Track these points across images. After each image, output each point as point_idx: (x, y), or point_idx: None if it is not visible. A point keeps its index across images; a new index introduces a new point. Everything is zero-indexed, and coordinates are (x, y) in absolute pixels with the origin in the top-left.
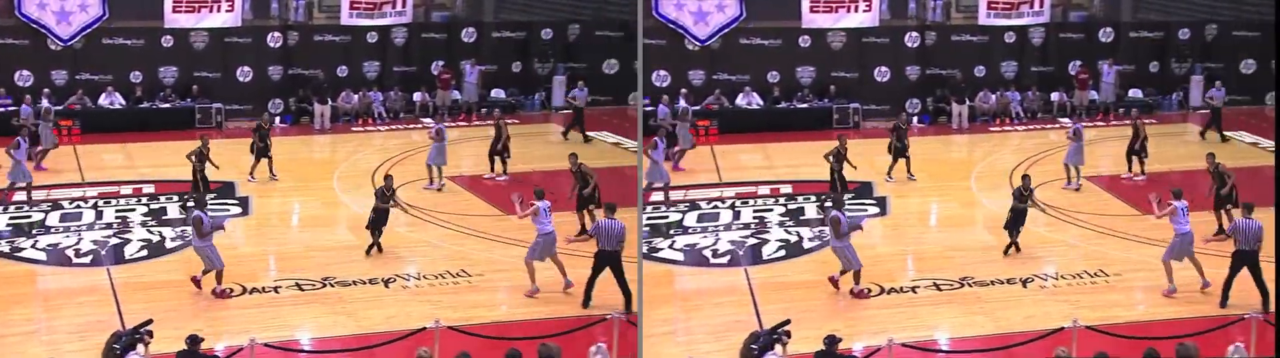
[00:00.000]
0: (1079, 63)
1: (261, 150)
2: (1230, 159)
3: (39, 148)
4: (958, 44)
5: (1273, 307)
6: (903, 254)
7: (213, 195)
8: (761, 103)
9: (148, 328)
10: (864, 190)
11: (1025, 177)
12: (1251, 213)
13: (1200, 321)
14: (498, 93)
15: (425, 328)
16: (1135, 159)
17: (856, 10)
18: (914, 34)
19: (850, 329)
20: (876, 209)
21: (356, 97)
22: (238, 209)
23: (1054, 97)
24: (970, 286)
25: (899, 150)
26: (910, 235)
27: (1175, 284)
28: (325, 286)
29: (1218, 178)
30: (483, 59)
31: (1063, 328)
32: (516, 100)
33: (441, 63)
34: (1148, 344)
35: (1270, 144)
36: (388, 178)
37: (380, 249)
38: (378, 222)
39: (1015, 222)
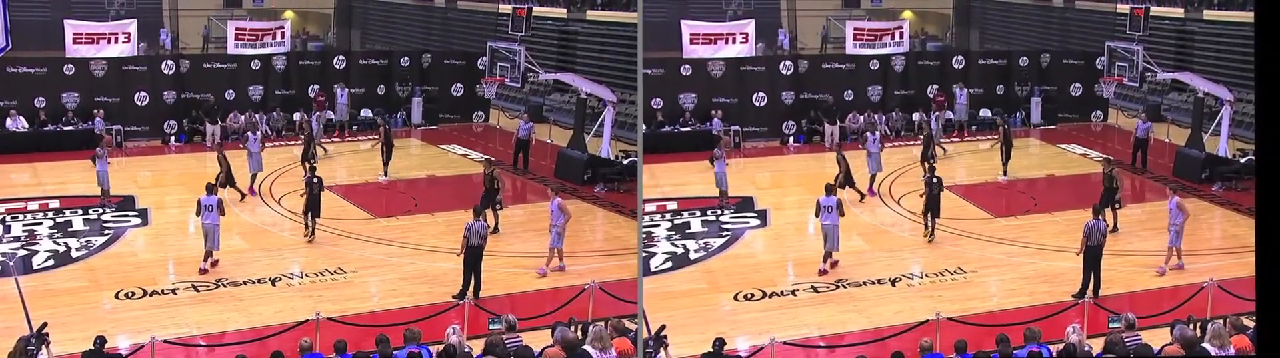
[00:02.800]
0: (936, 87)
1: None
2: (1065, 168)
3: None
4: (828, 71)
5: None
6: (783, 261)
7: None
8: (644, 127)
9: (45, 331)
10: (745, 205)
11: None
12: (1098, 216)
13: (1043, 307)
14: (365, 112)
15: (307, 320)
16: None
17: (734, 42)
18: (788, 63)
19: (735, 331)
20: (758, 221)
21: (243, 117)
22: (138, 220)
23: (915, 117)
24: (845, 287)
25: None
26: (789, 244)
27: (1182, 261)
28: (219, 286)
29: (1108, 180)
30: (352, 83)
31: (927, 320)
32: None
33: (317, 87)
34: (1000, 331)
35: (1096, 154)
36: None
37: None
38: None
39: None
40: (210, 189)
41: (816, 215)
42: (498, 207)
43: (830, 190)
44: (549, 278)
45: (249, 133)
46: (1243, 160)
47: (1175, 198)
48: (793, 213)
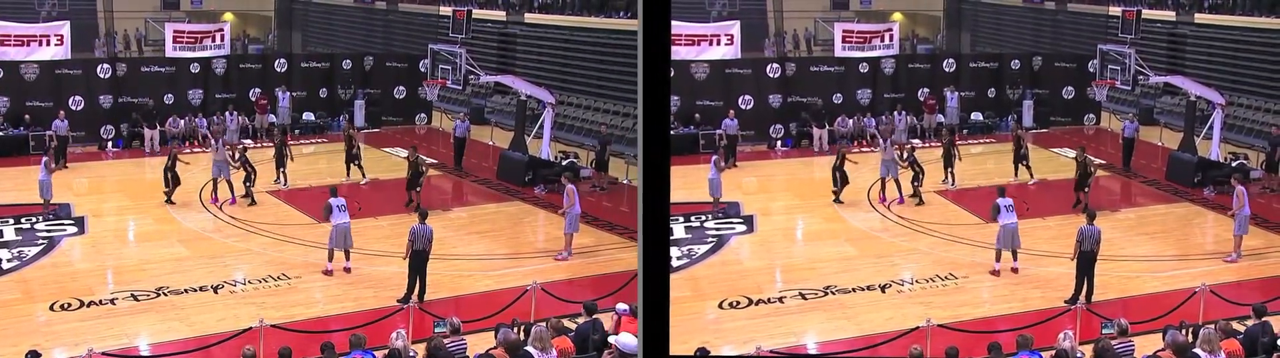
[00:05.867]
0: (927, 90)
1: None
2: (1057, 172)
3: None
4: (816, 74)
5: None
6: (771, 268)
7: None
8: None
9: None
10: (731, 209)
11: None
12: (1093, 220)
13: (1034, 314)
14: (308, 116)
15: (251, 328)
16: (1022, 167)
17: (718, 43)
18: (775, 65)
19: (720, 340)
20: (744, 227)
21: (182, 122)
22: (74, 228)
23: (905, 118)
24: (834, 293)
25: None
26: (777, 250)
27: (1241, 252)
28: (159, 295)
29: (1081, 166)
30: (293, 86)
31: (918, 327)
32: (324, 122)
33: (258, 90)
34: (993, 338)
35: (1089, 158)
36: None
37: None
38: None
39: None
40: (333, 191)
41: (994, 218)
42: (417, 190)
43: (1002, 192)
44: (491, 279)
45: (215, 140)
46: (1234, 164)
47: (1240, 186)
48: (780, 219)
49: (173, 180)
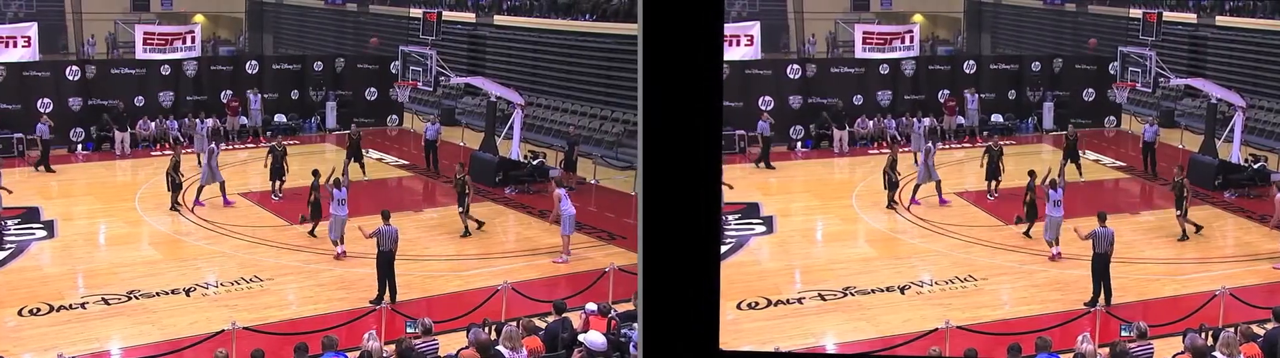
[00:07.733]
0: (947, 92)
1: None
2: (1074, 175)
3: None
4: (836, 75)
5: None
6: (790, 269)
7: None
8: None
9: None
10: (750, 210)
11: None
12: (1104, 222)
13: (1054, 316)
14: (279, 118)
15: (223, 330)
16: (1076, 166)
17: (738, 44)
18: (795, 66)
19: (738, 341)
20: (763, 228)
21: (153, 124)
22: (43, 232)
23: (926, 121)
24: (853, 295)
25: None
26: (796, 251)
27: None
28: (130, 298)
29: (1177, 189)
30: (265, 88)
31: (937, 329)
32: (296, 124)
33: (229, 92)
34: (1011, 340)
35: (1109, 161)
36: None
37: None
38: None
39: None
40: (337, 183)
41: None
42: (463, 210)
43: (1053, 185)
44: (462, 280)
45: (213, 145)
46: (1255, 167)
47: None
48: (800, 219)
49: (174, 185)
